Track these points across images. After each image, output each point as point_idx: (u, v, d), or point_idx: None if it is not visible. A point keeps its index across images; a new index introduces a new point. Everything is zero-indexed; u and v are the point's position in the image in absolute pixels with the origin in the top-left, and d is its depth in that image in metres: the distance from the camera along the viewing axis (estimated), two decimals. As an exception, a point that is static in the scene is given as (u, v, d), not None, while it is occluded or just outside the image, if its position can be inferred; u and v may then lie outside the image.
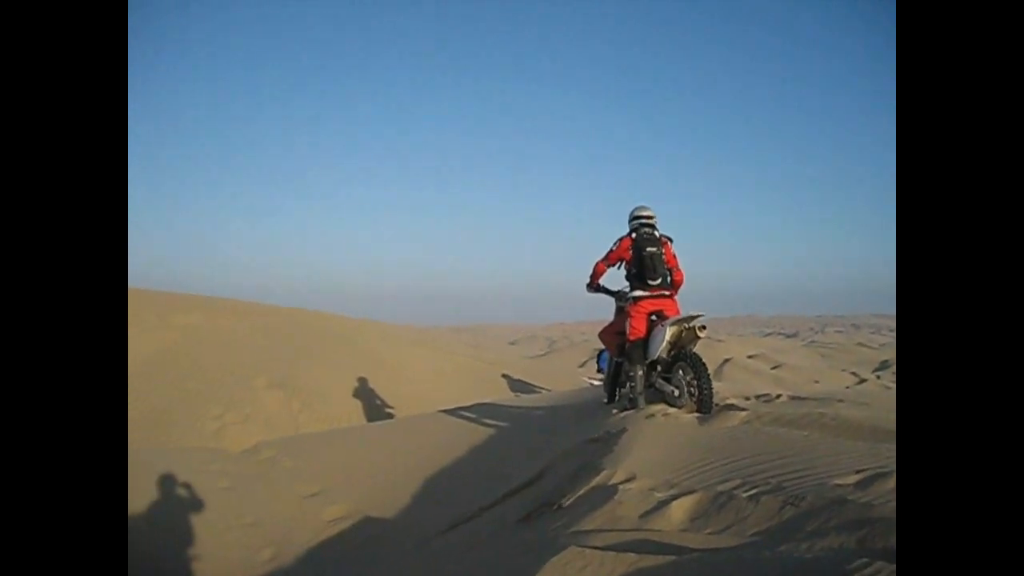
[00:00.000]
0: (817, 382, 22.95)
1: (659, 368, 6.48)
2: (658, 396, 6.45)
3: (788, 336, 54.42)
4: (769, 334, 59.50)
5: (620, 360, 6.94)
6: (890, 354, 30.65)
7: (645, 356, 6.49)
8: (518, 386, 15.61)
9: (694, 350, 6.29)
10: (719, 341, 30.65)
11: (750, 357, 28.18)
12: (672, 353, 6.37)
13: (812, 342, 43.70)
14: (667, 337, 6.26)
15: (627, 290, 6.79)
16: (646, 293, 6.57)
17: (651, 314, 6.57)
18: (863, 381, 23.59)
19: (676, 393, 6.20)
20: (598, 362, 7.80)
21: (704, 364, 6.10)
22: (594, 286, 7.10)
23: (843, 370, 27.97)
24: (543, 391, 14.31)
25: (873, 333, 59.19)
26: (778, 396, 6.88)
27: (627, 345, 6.62)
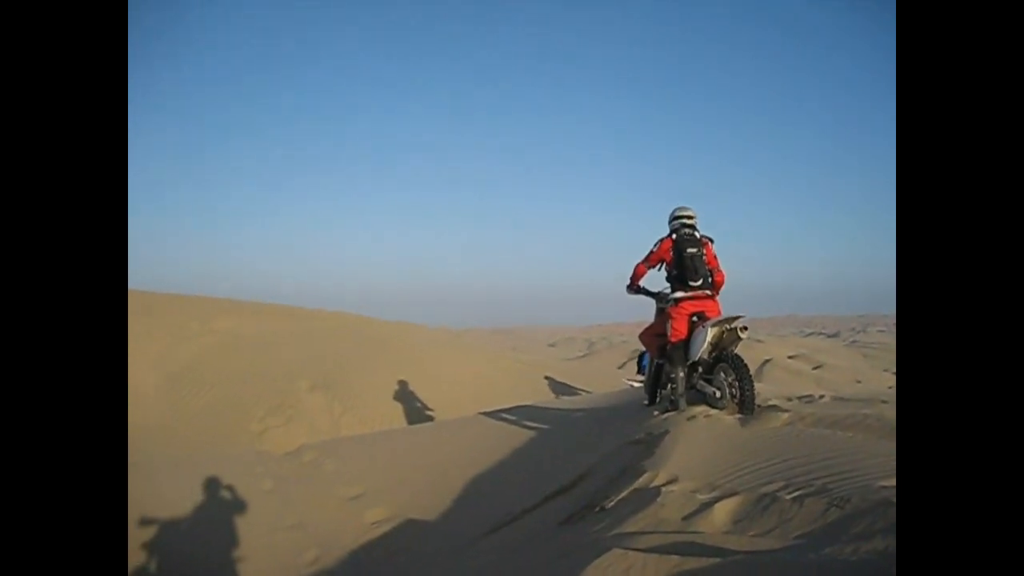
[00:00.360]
0: (859, 382, 22.69)
1: (700, 369, 6.44)
2: (699, 398, 6.40)
3: (829, 336, 53.76)
4: (810, 334, 58.87)
5: (661, 362, 6.90)
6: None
7: (686, 357, 6.45)
8: (558, 388, 15.61)
9: (735, 351, 6.24)
10: (759, 342, 30.42)
11: (791, 358, 27.91)
12: (713, 354, 6.32)
13: (854, 342, 43.18)
14: (708, 338, 6.21)
15: (668, 291, 6.74)
16: (687, 294, 6.52)
17: (692, 315, 6.52)
18: (906, 381, 23.19)
19: (718, 394, 6.16)
20: (639, 364, 7.77)
21: (746, 365, 6.04)
22: (634, 288, 7.05)
23: (886, 370, 27.56)
24: (583, 393, 14.29)
25: (917, 333, 57.90)
26: (820, 397, 6.82)
27: (668, 347, 6.57)
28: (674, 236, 6.61)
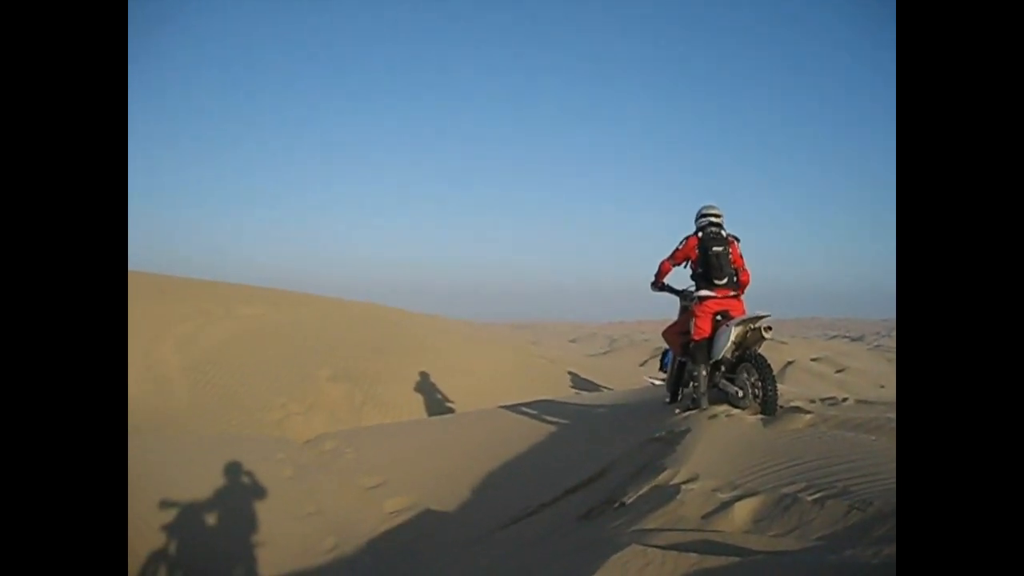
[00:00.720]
0: (883, 387, 22.43)
1: (723, 368, 6.41)
2: (721, 397, 6.38)
3: (853, 339, 53.07)
4: (833, 337, 58.14)
5: (684, 360, 6.88)
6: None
7: (709, 356, 6.42)
8: (580, 383, 15.60)
9: (759, 351, 6.21)
10: (782, 343, 30.13)
11: (814, 360, 27.64)
12: (736, 354, 6.29)
13: (878, 346, 42.65)
14: (732, 337, 6.18)
15: (692, 289, 6.73)
16: (712, 293, 6.50)
17: (716, 314, 6.50)
18: (931, 386, 22.89)
19: (740, 394, 6.14)
20: (662, 361, 7.73)
21: (769, 365, 6.01)
22: (659, 285, 7.05)
23: (909, 375, 27.13)
24: (604, 389, 14.28)
25: (942, 338, 57.16)
26: (844, 400, 6.77)
27: (691, 345, 6.56)
28: (700, 234, 6.60)
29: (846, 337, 58.19)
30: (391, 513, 6.48)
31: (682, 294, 7.01)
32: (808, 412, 5.68)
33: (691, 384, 6.64)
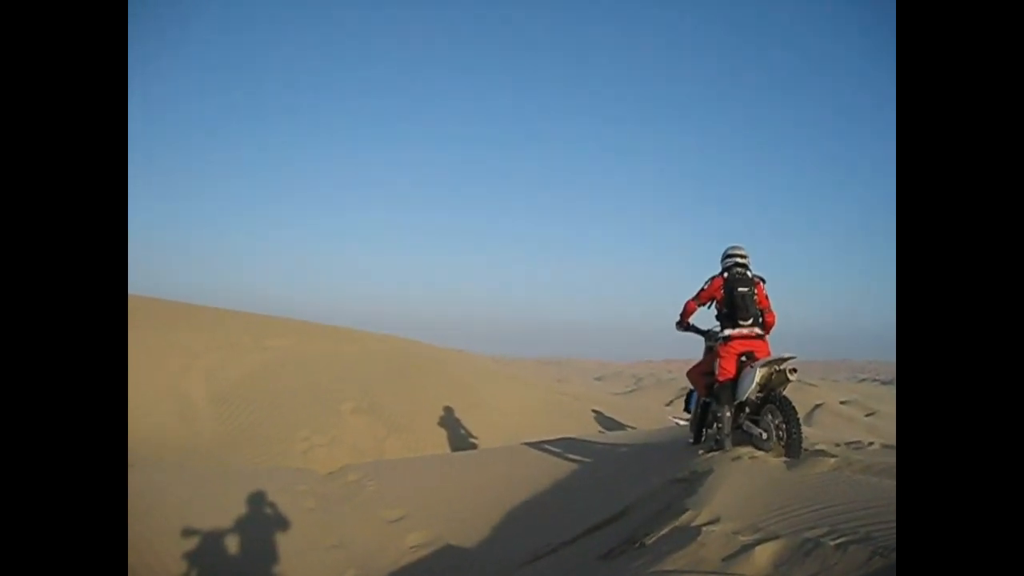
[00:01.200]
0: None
1: (747, 410, 6.38)
2: (745, 438, 6.34)
3: (884, 383, 52.49)
4: (864, 380, 57.57)
5: (708, 400, 6.86)
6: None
7: (734, 397, 6.39)
8: (604, 422, 15.54)
9: (784, 393, 6.17)
10: (811, 385, 29.86)
11: (843, 403, 27.34)
12: (761, 395, 6.26)
13: (909, 390, 42.17)
14: (757, 379, 6.15)
15: (717, 330, 6.72)
16: (737, 333, 6.49)
17: (741, 355, 6.48)
18: (961, 432, 22.50)
19: (764, 436, 6.10)
20: (687, 402, 7.70)
21: (794, 407, 5.97)
22: (684, 325, 7.05)
23: (941, 421, 26.71)
24: (629, 428, 14.21)
25: (974, 383, 56.32)
26: (870, 444, 6.71)
27: (716, 385, 6.54)
28: (725, 275, 6.61)
29: (876, 380, 57.52)
30: (412, 547, 6.48)
31: (707, 334, 7.00)
32: (832, 456, 5.64)
33: (715, 425, 6.61)
